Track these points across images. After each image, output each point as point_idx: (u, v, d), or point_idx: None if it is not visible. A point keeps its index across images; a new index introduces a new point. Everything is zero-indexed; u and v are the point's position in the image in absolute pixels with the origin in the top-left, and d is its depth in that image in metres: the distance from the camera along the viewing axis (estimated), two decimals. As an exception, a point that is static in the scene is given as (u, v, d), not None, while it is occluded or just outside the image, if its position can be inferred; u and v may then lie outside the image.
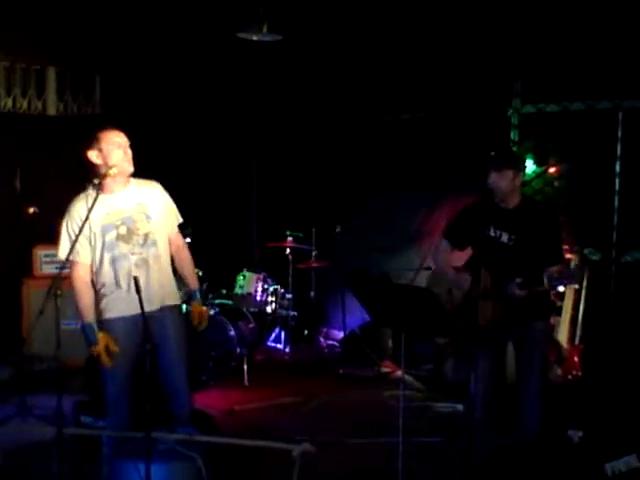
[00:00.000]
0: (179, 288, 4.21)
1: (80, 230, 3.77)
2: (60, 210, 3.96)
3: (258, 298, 6.92)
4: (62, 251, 3.88)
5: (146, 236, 3.92)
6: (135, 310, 3.65)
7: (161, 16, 6.86)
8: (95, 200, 3.77)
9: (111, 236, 3.88)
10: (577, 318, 5.57)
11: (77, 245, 3.81)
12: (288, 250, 7.17)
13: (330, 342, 7.53)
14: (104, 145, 3.86)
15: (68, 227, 3.88)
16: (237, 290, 6.95)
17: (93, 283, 3.92)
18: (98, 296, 3.93)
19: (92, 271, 3.92)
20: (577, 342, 5.52)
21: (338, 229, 7.07)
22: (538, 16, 6.18)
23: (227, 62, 7.52)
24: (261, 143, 8.33)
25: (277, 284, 7.07)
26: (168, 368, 3.96)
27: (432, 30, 6.67)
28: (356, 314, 6.93)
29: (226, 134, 7.96)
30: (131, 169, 3.92)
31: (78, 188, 3.96)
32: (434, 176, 7.11)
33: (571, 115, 6.41)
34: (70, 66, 6.93)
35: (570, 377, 5.36)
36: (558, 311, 5.66)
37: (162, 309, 3.97)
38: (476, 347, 4.08)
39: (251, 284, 6.96)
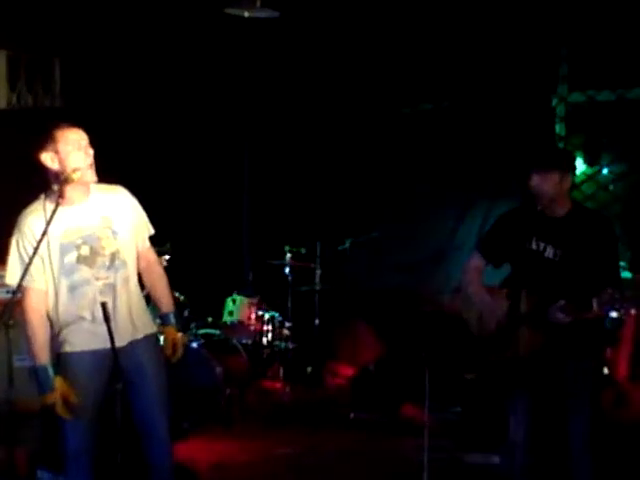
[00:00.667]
0: (154, 314, 4.23)
1: (35, 250, 3.72)
2: (10, 222, 3.96)
3: (251, 327, 6.93)
4: (11, 275, 3.84)
5: (113, 256, 3.91)
6: (102, 344, 3.67)
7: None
8: (54, 212, 3.74)
9: (70, 258, 3.85)
10: (639, 350, 5.58)
11: (31, 268, 3.75)
12: (287, 269, 7.19)
13: (338, 381, 7.53)
14: (61, 146, 3.81)
15: (19, 246, 3.84)
16: (226, 318, 6.96)
17: (48, 314, 3.88)
18: (55, 328, 3.90)
19: (47, 300, 3.88)
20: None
21: (347, 244, 7.09)
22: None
23: (213, 43, 7.54)
24: (254, 139, 8.36)
25: (274, 310, 7.09)
26: (144, 410, 3.97)
27: (459, 3, 6.70)
28: (369, 346, 6.94)
29: (212, 128, 7.98)
30: (94, 178, 3.88)
31: (32, 197, 3.96)
32: (463, 179, 7.14)
33: (628, 104, 6.44)
34: (24, 49, 6.97)
35: (632, 421, 5.36)
36: (615, 341, 5.67)
37: (135, 341, 3.98)
38: (513, 384, 4.09)
39: (243, 310, 6.97)
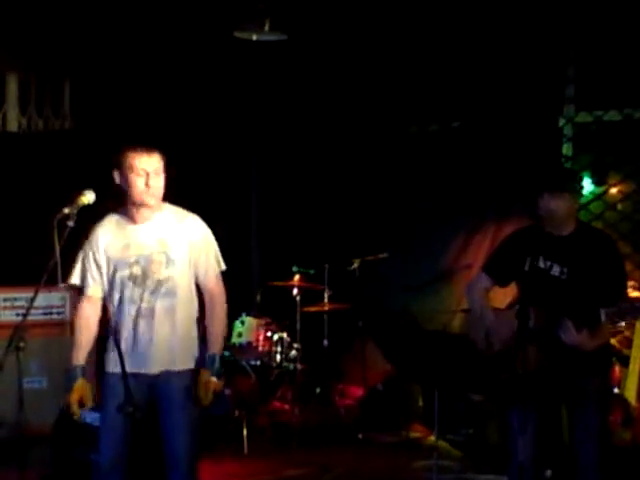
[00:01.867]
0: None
1: (94, 260, 3.95)
2: (22, 245, 4.01)
3: (260, 348, 6.93)
4: (74, 276, 4.03)
5: (160, 282, 3.95)
6: (136, 367, 3.82)
7: (143, 9, 6.93)
8: (64, 229, 3.76)
9: (123, 274, 3.96)
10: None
11: (88, 275, 3.98)
12: (296, 290, 7.19)
13: (347, 401, 7.52)
14: (125, 169, 3.94)
15: (85, 254, 4.01)
16: (234, 339, 6.97)
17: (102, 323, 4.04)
18: (108, 342, 4.02)
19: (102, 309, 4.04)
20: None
21: (356, 264, 7.10)
22: (593, 4, 6.24)
23: (221, 66, 7.58)
24: (263, 159, 8.40)
25: (283, 331, 7.09)
26: (170, 442, 4.00)
27: (466, 22, 6.73)
28: (378, 367, 6.94)
29: (221, 149, 8.02)
30: (151, 203, 3.96)
31: (46, 219, 3.99)
32: (471, 199, 7.15)
33: (635, 124, 6.45)
34: (34, 71, 7.00)
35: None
36: (624, 361, 5.66)
37: (171, 372, 4.00)
38: (521, 404, 4.09)
39: (251, 332, 6.98)
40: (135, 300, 3.95)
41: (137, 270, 3.95)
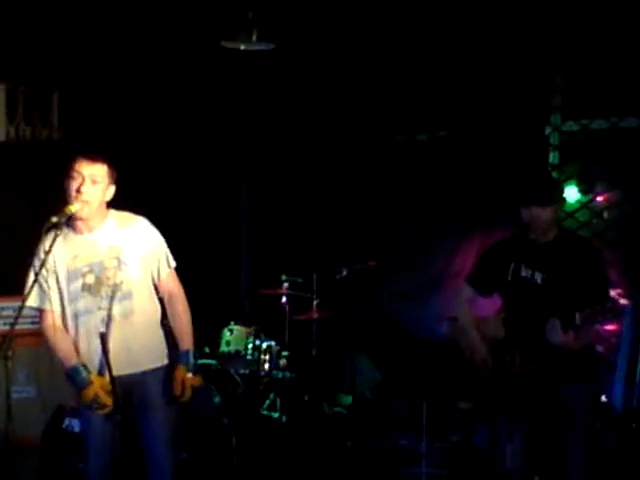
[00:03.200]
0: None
1: (44, 272, 3.83)
2: (10, 254, 4.00)
3: (248, 357, 6.92)
4: (31, 297, 3.90)
5: (116, 287, 3.93)
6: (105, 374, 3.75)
7: (131, 21, 6.95)
8: (54, 239, 3.80)
9: (76, 285, 3.91)
10: (634, 376, 5.58)
11: (45, 289, 3.88)
12: (284, 299, 7.19)
13: (336, 409, 7.51)
14: (66, 172, 3.88)
15: (35, 269, 3.90)
16: (223, 348, 6.95)
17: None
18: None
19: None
20: (635, 405, 5.52)
21: (344, 273, 7.10)
22: (579, 14, 6.27)
23: (209, 76, 7.60)
24: (251, 169, 8.40)
25: (271, 340, 7.09)
26: (149, 443, 4.00)
27: (452, 32, 6.77)
28: (367, 374, 6.94)
29: (209, 158, 8.02)
30: (82, 213, 3.86)
31: (31, 228, 3.99)
32: (459, 208, 7.17)
33: (621, 132, 6.48)
34: (22, 82, 7.01)
35: (627, 446, 5.36)
36: (610, 367, 5.68)
37: (142, 373, 4.00)
38: (509, 412, 4.11)
39: (240, 340, 6.96)
40: (92, 310, 3.91)
41: (90, 279, 3.91)
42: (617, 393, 5.56)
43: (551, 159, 6.79)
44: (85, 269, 3.91)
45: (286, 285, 7.19)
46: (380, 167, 7.64)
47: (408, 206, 7.47)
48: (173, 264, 4.19)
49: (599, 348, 6.21)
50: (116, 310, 3.94)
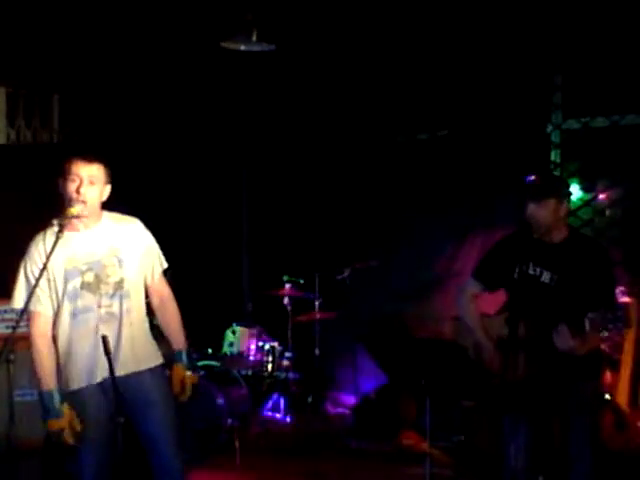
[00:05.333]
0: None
1: (41, 273, 3.75)
2: (10, 256, 3.98)
3: (252, 358, 6.92)
4: (18, 299, 3.87)
5: (117, 285, 3.93)
6: (102, 376, 3.72)
7: (130, 23, 6.94)
8: (56, 240, 3.78)
9: (75, 284, 3.88)
10: (639, 375, 5.56)
11: (37, 291, 3.79)
12: (286, 299, 7.18)
13: (339, 410, 7.51)
14: (63, 175, 3.86)
15: (27, 270, 3.87)
16: (226, 349, 6.95)
17: (54, 340, 3.88)
18: (59, 357, 3.89)
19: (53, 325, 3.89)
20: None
21: (346, 273, 7.10)
22: (580, 13, 6.26)
23: (210, 77, 7.59)
24: (252, 170, 8.40)
25: (274, 341, 7.08)
26: (154, 442, 3.96)
27: (454, 31, 6.75)
28: (370, 375, 6.92)
29: (210, 160, 8.02)
30: (85, 213, 3.87)
31: (31, 232, 3.98)
32: (461, 207, 7.16)
33: (622, 130, 6.48)
34: (23, 85, 7.01)
35: (633, 446, 5.34)
36: (615, 366, 5.67)
37: (139, 373, 3.98)
38: (513, 410, 4.09)
39: (243, 341, 6.96)
40: (91, 308, 3.88)
41: (89, 277, 3.89)
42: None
43: (553, 157, 6.79)
44: (84, 267, 3.89)
45: (288, 286, 7.19)
46: (381, 167, 7.63)
47: (410, 206, 7.46)
48: (165, 265, 4.20)
49: (603, 346, 6.22)
50: (117, 308, 3.93)
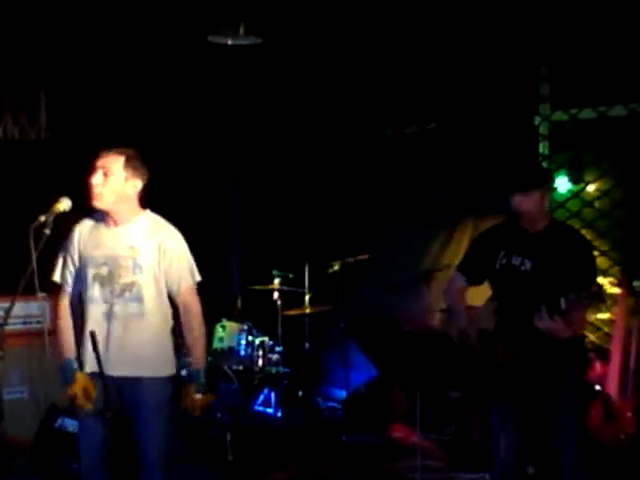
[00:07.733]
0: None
1: (68, 256, 3.99)
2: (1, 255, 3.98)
3: (242, 353, 6.92)
4: (55, 274, 4.08)
5: (125, 286, 3.93)
6: (91, 369, 3.81)
7: (116, 17, 6.93)
8: (42, 238, 3.76)
9: (91, 273, 3.96)
10: (628, 365, 5.59)
11: (66, 271, 4.02)
12: (276, 294, 7.19)
13: (330, 404, 7.52)
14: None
15: (66, 252, 4.05)
16: (216, 344, 6.95)
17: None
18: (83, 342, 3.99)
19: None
20: (629, 394, 5.53)
21: (336, 267, 7.11)
22: (566, 3, 6.27)
23: (197, 71, 7.57)
24: (242, 164, 8.39)
25: (264, 335, 7.09)
26: (140, 447, 3.98)
27: (439, 23, 6.76)
28: (361, 369, 6.94)
29: (199, 154, 8.00)
30: (97, 204, 3.94)
31: (21, 228, 3.97)
32: (450, 199, 7.18)
33: (610, 122, 6.50)
34: (9, 81, 6.98)
35: (622, 437, 5.36)
36: (605, 356, 5.69)
37: (137, 379, 3.98)
38: (501, 401, 4.12)
39: (232, 336, 6.96)
40: (103, 300, 3.94)
41: (103, 271, 3.94)
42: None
43: (541, 149, 6.81)
44: (101, 260, 3.95)
45: (278, 280, 7.20)
46: (370, 160, 7.64)
47: (399, 199, 7.47)
48: (198, 278, 4.17)
49: (592, 337, 6.25)
50: (120, 308, 3.93)
